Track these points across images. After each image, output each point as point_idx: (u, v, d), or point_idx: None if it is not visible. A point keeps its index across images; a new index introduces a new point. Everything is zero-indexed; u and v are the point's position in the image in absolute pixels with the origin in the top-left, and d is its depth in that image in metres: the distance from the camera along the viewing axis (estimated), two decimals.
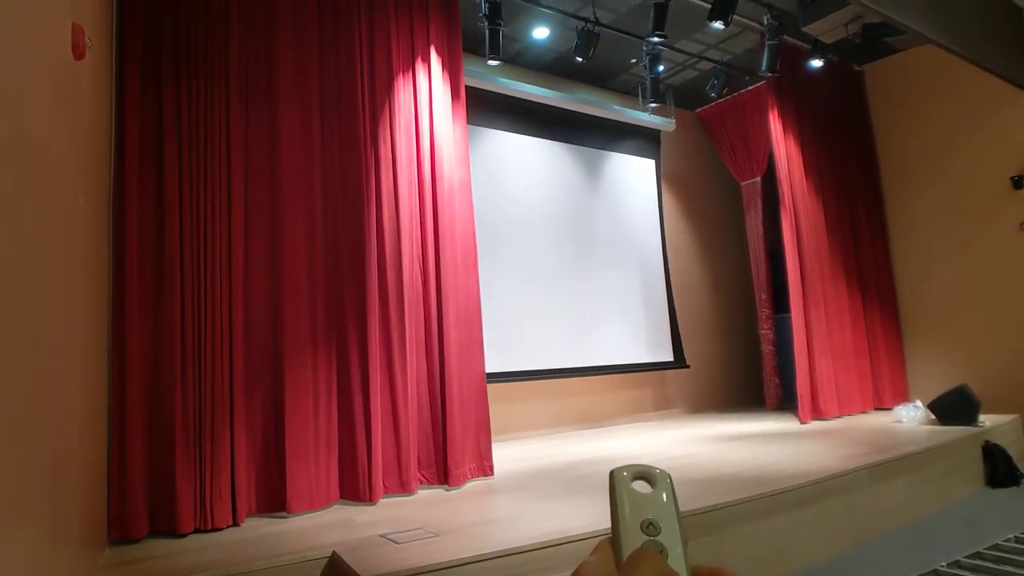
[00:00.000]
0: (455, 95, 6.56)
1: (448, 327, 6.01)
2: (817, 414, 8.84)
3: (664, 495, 0.67)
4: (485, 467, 6.11)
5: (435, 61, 6.41)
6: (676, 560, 0.63)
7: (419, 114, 6.25)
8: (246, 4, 5.36)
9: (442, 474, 5.78)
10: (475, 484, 5.80)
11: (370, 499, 5.27)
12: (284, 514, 4.95)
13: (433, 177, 6.21)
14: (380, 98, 6.02)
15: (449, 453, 5.78)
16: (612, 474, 0.68)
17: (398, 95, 6.11)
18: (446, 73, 6.52)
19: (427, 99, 6.30)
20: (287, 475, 4.99)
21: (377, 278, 5.70)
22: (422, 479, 5.75)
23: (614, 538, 0.65)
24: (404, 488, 5.53)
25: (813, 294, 9.04)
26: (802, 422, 8.67)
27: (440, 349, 5.99)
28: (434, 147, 6.26)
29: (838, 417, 8.97)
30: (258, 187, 5.31)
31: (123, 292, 4.57)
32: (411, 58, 6.30)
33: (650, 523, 0.65)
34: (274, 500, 5.04)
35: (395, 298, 5.77)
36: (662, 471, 0.68)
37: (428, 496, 5.43)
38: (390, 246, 5.83)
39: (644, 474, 0.68)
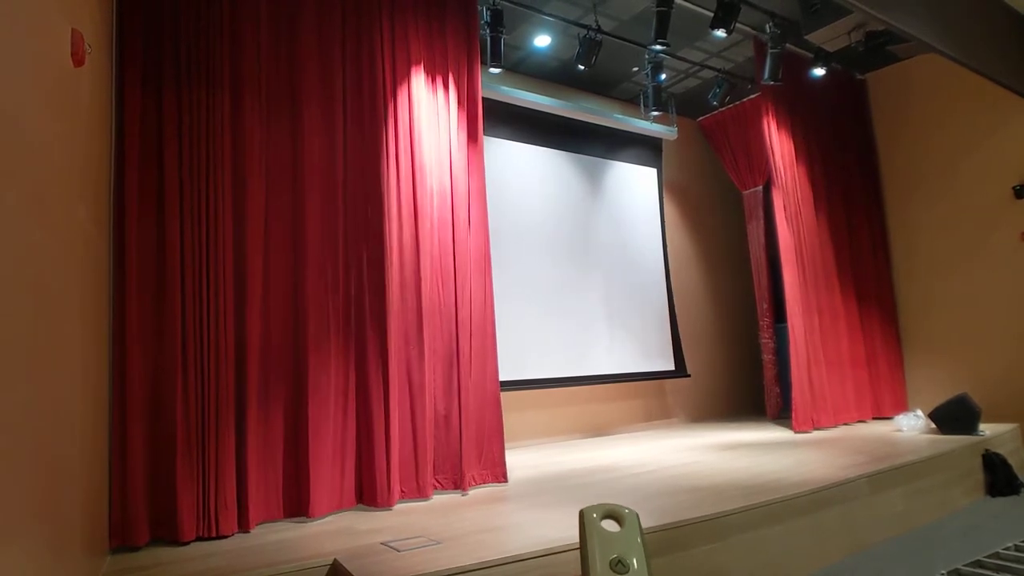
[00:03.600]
0: (473, 105, 6.65)
1: (463, 335, 6.12)
2: (812, 424, 8.76)
3: (632, 534, 0.68)
4: (498, 473, 6.17)
5: (452, 71, 6.54)
6: None
7: (439, 125, 6.37)
8: (247, 10, 5.38)
9: (457, 479, 5.86)
10: (477, 492, 5.81)
11: (388, 504, 5.36)
12: (303, 519, 5.03)
13: (452, 187, 6.34)
14: (399, 106, 6.13)
15: (464, 459, 5.87)
16: (582, 513, 0.69)
17: (414, 105, 6.20)
18: (464, 83, 6.63)
19: (445, 110, 6.43)
20: (310, 480, 5.07)
21: (399, 287, 5.84)
22: (436, 484, 5.82)
23: (584, 574, 0.66)
24: (421, 493, 5.62)
25: (810, 303, 9.03)
26: (795, 431, 8.64)
27: (456, 357, 6.09)
28: (451, 157, 6.38)
29: (833, 427, 8.94)
30: (277, 191, 5.41)
31: (124, 299, 4.58)
32: (431, 68, 6.43)
33: (619, 561, 0.66)
34: (292, 505, 5.14)
35: (414, 307, 5.90)
36: (630, 511, 0.69)
37: (431, 504, 5.44)
38: (410, 256, 5.95)
39: (613, 513, 0.70)
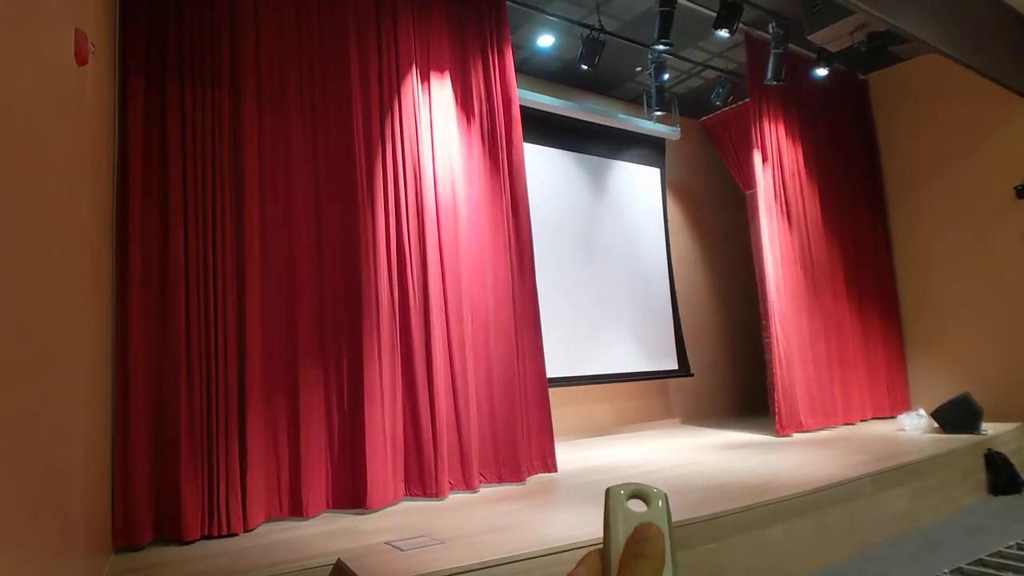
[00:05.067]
0: (508, 108, 6.76)
1: (510, 332, 6.27)
2: (796, 428, 8.59)
3: (658, 516, 0.67)
4: (549, 464, 6.38)
5: (489, 76, 6.71)
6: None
7: (471, 127, 6.52)
8: (248, 10, 5.38)
9: (501, 473, 6.03)
10: (482, 492, 5.81)
11: (439, 495, 5.52)
12: (363, 510, 5.16)
13: (510, 190, 6.55)
14: (434, 108, 6.25)
15: (516, 451, 6.04)
16: (608, 492, 0.69)
17: (445, 108, 6.32)
18: (499, 88, 6.74)
19: (477, 113, 6.58)
20: (367, 473, 5.19)
21: (439, 287, 5.96)
22: (482, 478, 5.97)
23: (604, 554, 0.66)
24: (468, 486, 5.77)
25: (801, 304, 8.96)
26: (778, 435, 8.45)
27: (516, 352, 6.27)
28: (492, 159, 6.55)
29: (820, 428, 8.81)
30: (288, 192, 5.43)
31: (126, 299, 4.58)
32: (464, 73, 6.61)
33: None
34: (348, 498, 5.29)
35: (456, 306, 6.01)
36: (658, 491, 0.69)
37: (435, 504, 5.44)
38: (450, 257, 6.04)
39: (640, 493, 0.69)
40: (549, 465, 6.35)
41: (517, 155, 6.65)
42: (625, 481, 0.68)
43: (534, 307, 6.55)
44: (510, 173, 6.57)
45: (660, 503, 0.68)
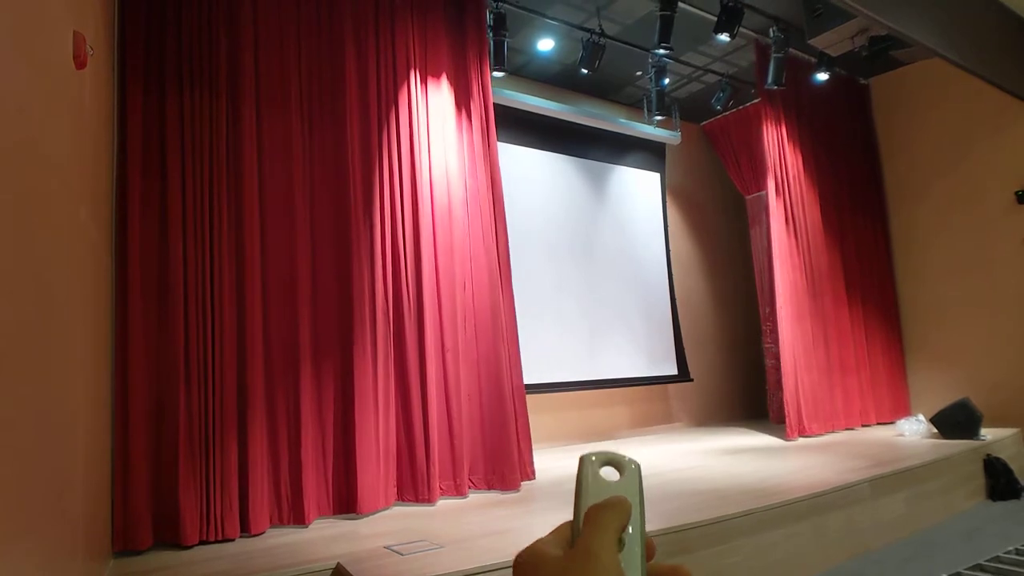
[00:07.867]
0: (487, 112, 6.76)
1: (501, 337, 6.24)
2: (804, 431, 8.61)
3: (630, 484, 0.67)
4: (528, 472, 6.36)
5: (474, 80, 6.70)
6: (632, 549, 0.63)
7: (462, 132, 6.53)
8: (250, 14, 5.38)
9: (491, 479, 6.02)
10: (480, 496, 5.82)
11: (429, 500, 5.53)
12: (354, 515, 5.19)
13: (495, 193, 6.55)
14: (430, 114, 6.31)
15: (509, 457, 6.02)
16: (581, 459, 0.69)
17: (437, 113, 6.35)
18: (480, 91, 6.74)
19: (468, 118, 6.59)
20: (357, 478, 5.22)
21: (433, 292, 6.00)
22: (471, 484, 5.98)
23: (574, 522, 0.66)
24: (458, 492, 5.79)
25: (804, 309, 8.96)
26: (788, 438, 8.49)
27: (507, 357, 6.25)
28: (477, 164, 6.54)
29: (825, 433, 8.80)
30: (288, 197, 5.42)
31: (126, 304, 4.58)
32: (452, 78, 6.60)
33: None
34: (341, 502, 5.31)
35: (450, 311, 6.03)
36: (631, 460, 0.69)
37: (428, 509, 5.44)
38: (444, 262, 6.08)
39: (613, 461, 0.69)
40: (529, 473, 6.34)
41: (495, 157, 6.65)
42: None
43: (513, 312, 6.52)
44: (491, 177, 6.55)
45: (632, 473, 0.68)
